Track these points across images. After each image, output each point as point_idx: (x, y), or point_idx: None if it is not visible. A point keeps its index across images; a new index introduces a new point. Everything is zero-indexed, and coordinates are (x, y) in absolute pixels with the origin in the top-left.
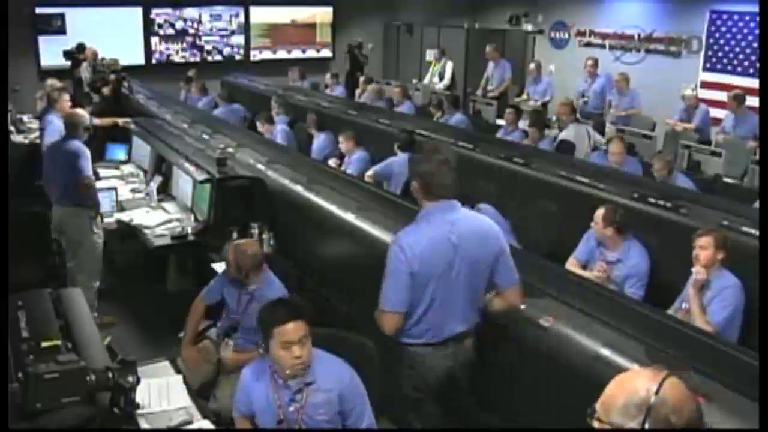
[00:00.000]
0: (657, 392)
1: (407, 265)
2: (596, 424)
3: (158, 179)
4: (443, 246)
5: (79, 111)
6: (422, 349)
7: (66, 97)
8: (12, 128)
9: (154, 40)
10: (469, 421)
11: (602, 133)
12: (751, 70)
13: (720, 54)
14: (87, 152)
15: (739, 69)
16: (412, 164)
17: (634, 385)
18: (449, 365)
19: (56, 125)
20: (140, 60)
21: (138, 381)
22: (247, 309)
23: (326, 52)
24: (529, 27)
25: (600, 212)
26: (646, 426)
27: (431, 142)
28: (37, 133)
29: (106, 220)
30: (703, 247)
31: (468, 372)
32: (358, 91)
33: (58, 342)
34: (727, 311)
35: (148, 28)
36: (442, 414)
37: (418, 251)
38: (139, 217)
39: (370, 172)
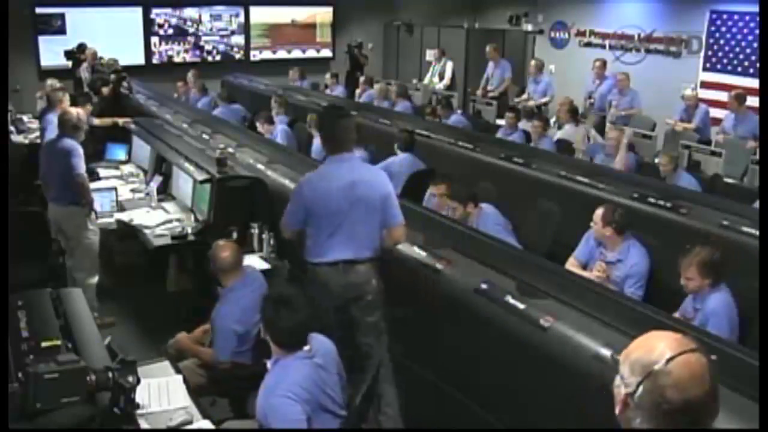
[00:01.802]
0: (668, 361)
1: (303, 201)
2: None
3: (158, 179)
4: (339, 190)
5: (71, 109)
6: (321, 268)
7: (66, 97)
8: (12, 128)
9: (154, 40)
10: (359, 328)
11: (602, 133)
12: (751, 70)
13: (720, 54)
14: (79, 150)
15: (739, 69)
16: (320, 123)
17: (654, 344)
18: (341, 282)
19: (56, 125)
20: (140, 60)
21: (138, 381)
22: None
23: (326, 52)
24: (529, 27)
25: (599, 212)
26: (640, 389)
27: (337, 105)
28: (37, 133)
29: (106, 220)
30: (690, 279)
31: (361, 290)
32: (358, 91)
33: (58, 342)
34: (724, 334)
35: (148, 28)
36: (338, 321)
37: (316, 193)
38: (139, 217)
39: None
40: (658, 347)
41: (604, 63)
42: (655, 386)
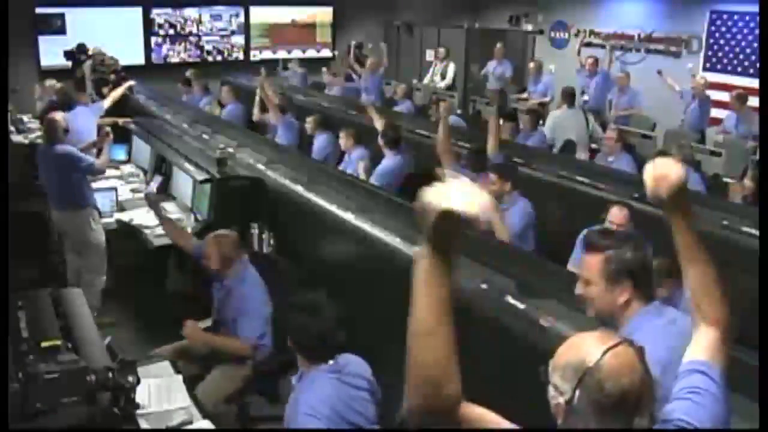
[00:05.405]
0: (600, 356)
1: None
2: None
3: (158, 179)
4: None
5: (56, 115)
6: None
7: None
8: (12, 128)
9: (154, 40)
10: None
11: (604, 130)
12: (752, 70)
13: (720, 54)
14: (74, 150)
15: (740, 69)
16: (619, 257)
17: (580, 347)
18: None
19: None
20: (140, 60)
21: (138, 381)
22: (224, 303)
23: (326, 52)
24: (529, 27)
25: (622, 213)
26: (577, 393)
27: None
28: (38, 133)
29: (106, 220)
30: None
31: None
32: None
33: (58, 342)
34: None
35: (148, 28)
36: None
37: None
38: (139, 217)
39: (363, 171)
40: (584, 348)
41: (596, 60)
42: (592, 383)
